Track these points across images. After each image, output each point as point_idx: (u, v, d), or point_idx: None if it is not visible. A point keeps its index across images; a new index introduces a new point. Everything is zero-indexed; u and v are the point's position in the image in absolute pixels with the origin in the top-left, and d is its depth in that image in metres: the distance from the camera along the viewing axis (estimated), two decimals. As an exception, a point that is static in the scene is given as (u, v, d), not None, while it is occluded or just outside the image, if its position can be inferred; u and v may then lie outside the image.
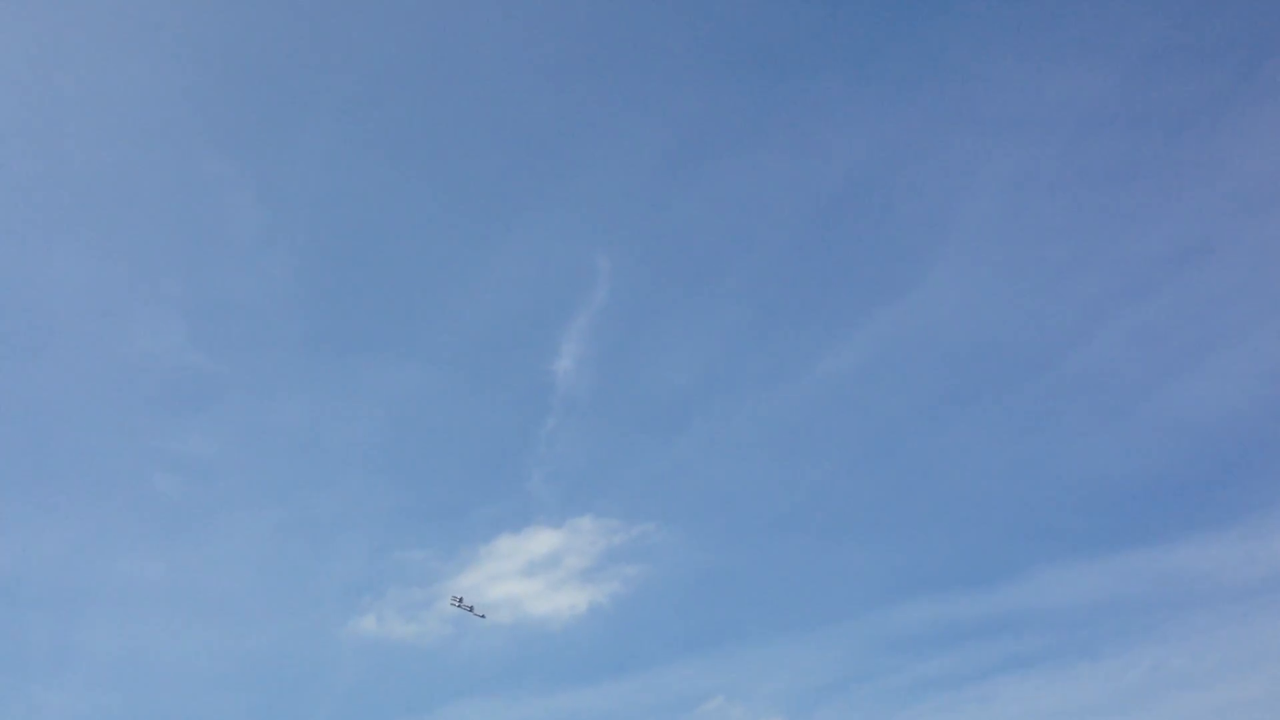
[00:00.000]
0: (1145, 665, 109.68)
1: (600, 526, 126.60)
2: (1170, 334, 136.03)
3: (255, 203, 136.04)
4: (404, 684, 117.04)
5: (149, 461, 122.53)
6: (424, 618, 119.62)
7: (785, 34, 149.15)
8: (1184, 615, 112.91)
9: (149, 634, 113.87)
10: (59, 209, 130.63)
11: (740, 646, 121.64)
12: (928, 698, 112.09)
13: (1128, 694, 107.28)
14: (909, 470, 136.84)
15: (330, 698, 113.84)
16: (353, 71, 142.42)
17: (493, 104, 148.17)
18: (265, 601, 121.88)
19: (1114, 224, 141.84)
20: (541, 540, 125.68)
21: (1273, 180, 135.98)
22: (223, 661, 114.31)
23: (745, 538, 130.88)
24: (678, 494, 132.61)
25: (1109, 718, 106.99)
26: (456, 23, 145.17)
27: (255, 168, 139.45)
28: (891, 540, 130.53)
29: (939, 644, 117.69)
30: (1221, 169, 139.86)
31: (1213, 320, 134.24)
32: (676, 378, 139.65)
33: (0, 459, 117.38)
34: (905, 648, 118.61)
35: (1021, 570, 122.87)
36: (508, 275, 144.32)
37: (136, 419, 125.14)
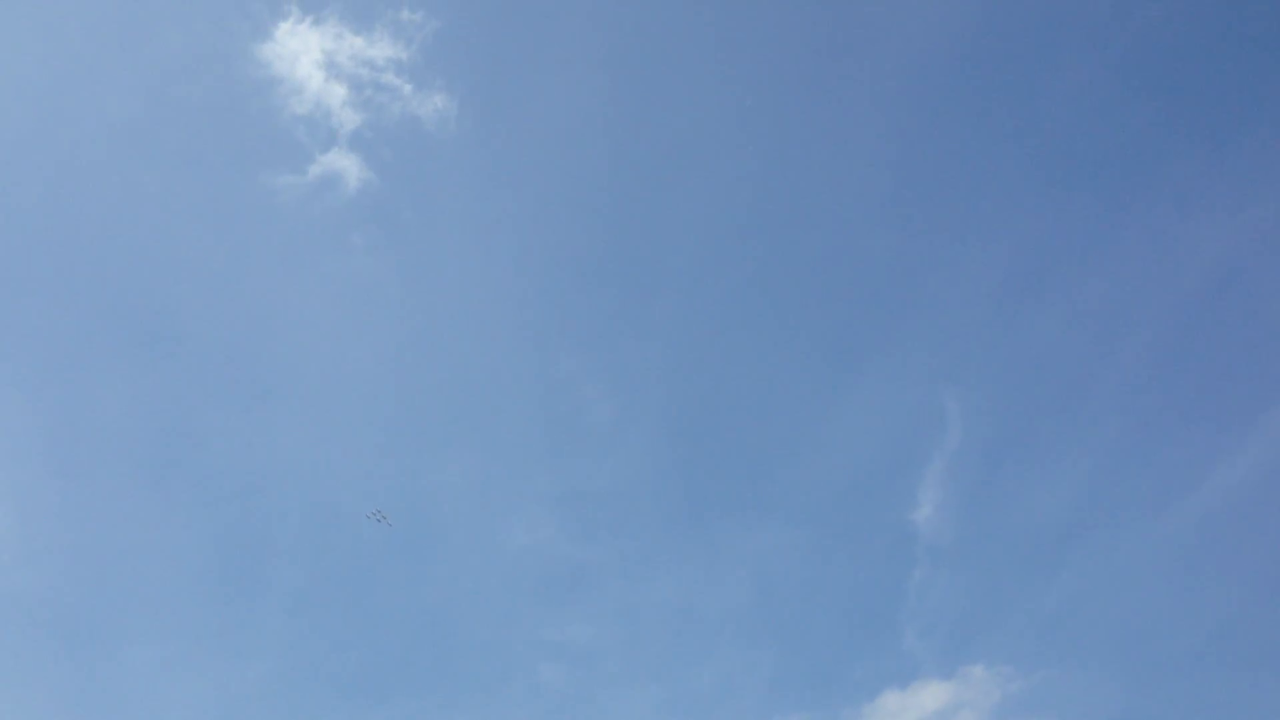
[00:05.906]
0: None
1: (994, 675, 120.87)
2: None
3: (607, 393, 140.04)
4: None
5: (534, 651, 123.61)
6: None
7: (1123, 132, 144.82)
8: None
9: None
10: (445, 419, 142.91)
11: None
12: None
13: None
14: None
15: None
16: (686, 247, 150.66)
17: (822, 254, 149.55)
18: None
19: None
20: (930, 694, 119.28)
21: None
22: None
23: (1164, 676, 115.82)
24: (1075, 634, 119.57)
25: None
26: (777, 179, 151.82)
27: (604, 359, 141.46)
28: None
29: None
30: None
31: None
32: (1049, 510, 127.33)
33: (408, 659, 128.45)
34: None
35: None
36: (855, 426, 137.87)
37: (520, 611, 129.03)
